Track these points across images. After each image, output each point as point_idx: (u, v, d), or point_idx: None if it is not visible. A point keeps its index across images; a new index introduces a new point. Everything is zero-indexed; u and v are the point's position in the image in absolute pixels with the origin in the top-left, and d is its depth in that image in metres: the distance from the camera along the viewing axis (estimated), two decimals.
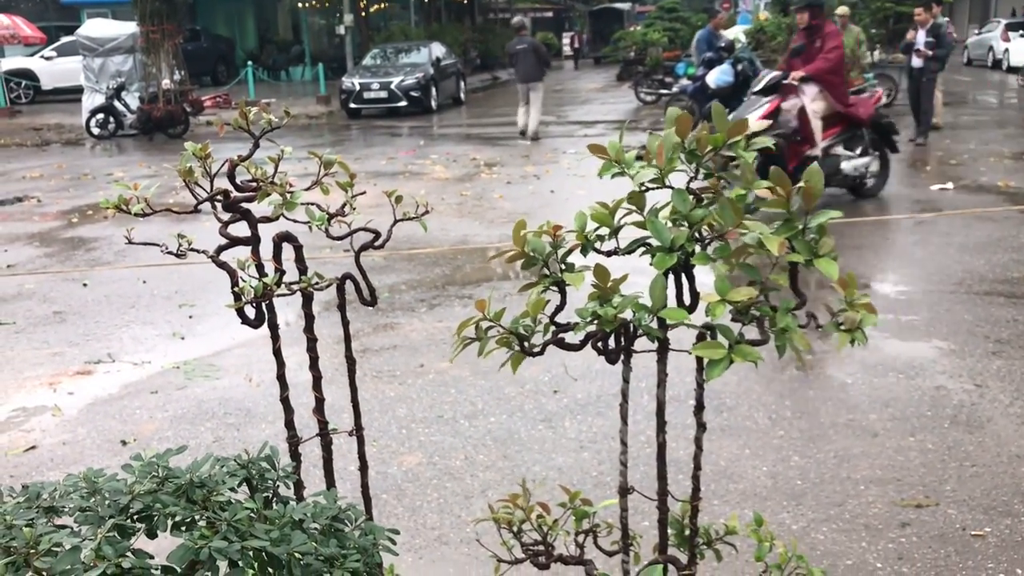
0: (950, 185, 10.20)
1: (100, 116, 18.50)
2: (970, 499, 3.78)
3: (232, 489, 1.37)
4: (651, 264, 1.58)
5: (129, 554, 1.14)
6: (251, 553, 1.17)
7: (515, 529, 2.04)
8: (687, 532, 1.91)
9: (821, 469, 4.10)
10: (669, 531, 1.97)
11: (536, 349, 1.67)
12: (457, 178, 12.51)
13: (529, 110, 15.76)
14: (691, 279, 1.68)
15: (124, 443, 4.76)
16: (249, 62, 26.50)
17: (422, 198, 1.88)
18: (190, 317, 6.90)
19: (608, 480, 3.95)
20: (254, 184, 1.77)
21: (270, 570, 1.21)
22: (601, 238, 1.69)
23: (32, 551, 1.13)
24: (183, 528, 1.23)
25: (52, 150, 17.63)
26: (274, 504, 1.43)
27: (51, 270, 8.84)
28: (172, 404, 5.27)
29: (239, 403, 5.19)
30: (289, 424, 1.90)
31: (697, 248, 1.56)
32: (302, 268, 1.82)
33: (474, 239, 8.86)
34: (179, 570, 1.20)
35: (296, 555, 1.20)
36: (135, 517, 1.25)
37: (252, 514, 1.23)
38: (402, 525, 3.79)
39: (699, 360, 1.74)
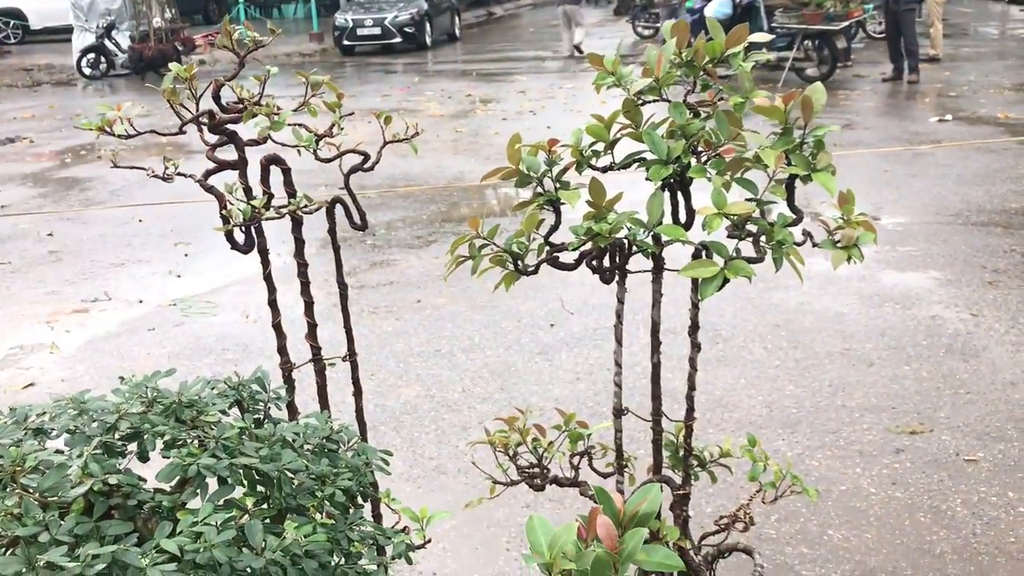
0: (949, 117, 10.10)
1: (91, 56, 18.21)
2: (964, 425, 3.80)
3: (223, 412, 1.35)
4: (647, 177, 1.55)
5: (117, 471, 1.13)
6: (240, 471, 1.16)
7: (511, 452, 2.04)
8: (681, 453, 1.91)
9: (816, 398, 4.12)
10: (664, 453, 1.97)
11: (530, 268, 1.65)
12: (452, 115, 12.37)
13: (573, 31, 17.28)
14: (687, 196, 1.65)
15: (122, 379, 4.74)
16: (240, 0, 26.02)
17: (412, 122, 1.84)
18: (186, 255, 6.87)
19: (604, 410, 3.96)
20: (240, 105, 1.73)
21: (260, 488, 1.20)
22: (597, 154, 1.66)
23: (18, 468, 1.12)
24: (172, 447, 1.22)
25: (43, 91, 17.38)
26: (265, 425, 1.41)
27: (45, 210, 8.77)
28: (169, 341, 5.27)
29: (236, 339, 5.19)
30: (282, 350, 1.88)
31: (694, 161, 1.53)
32: (291, 191, 1.78)
33: (470, 176, 8.79)
34: (168, 488, 1.19)
35: (286, 472, 1.19)
36: (124, 438, 1.24)
37: (242, 433, 1.22)
38: (400, 456, 3.81)
39: (694, 280, 1.72)
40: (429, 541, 1.98)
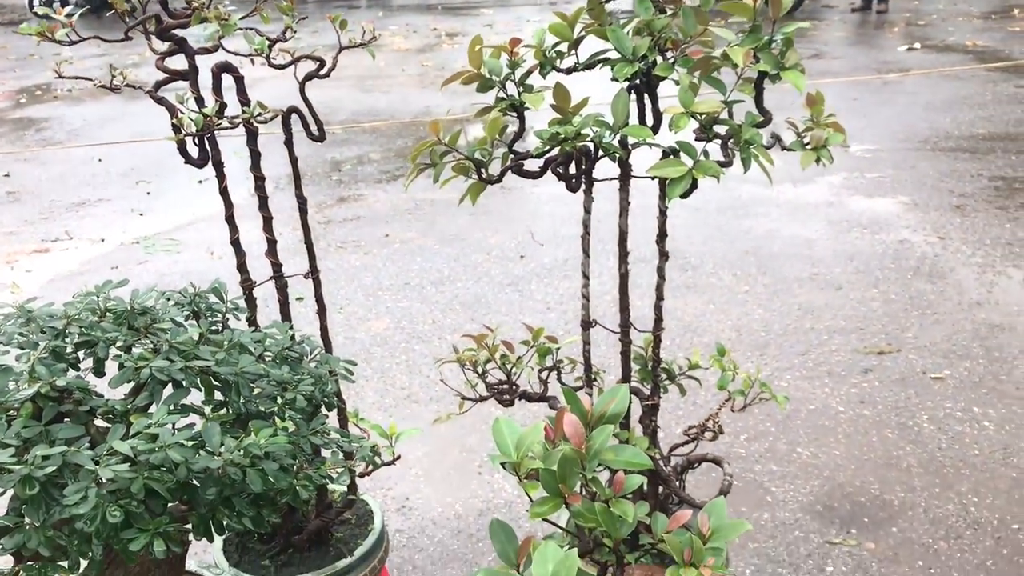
0: (917, 46, 10.06)
1: None
2: (930, 345, 3.83)
3: (178, 323, 1.31)
4: (612, 77, 1.50)
5: (66, 375, 1.09)
6: (196, 375, 1.12)
7: (480, 370, 2.02)
8: (650, 365, 1.89)
9: (785, 321, 4.14)
10: (633, 365, 1.96)
11: (495, 177, 1.60)
12: (418, 48, 12.17)
13: None
14: (654, 97, 1.61)
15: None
16: None
17: (369, 24, 1.77)
18: (148, 193, 6.74)
19: (575, 337, 3.95)
20: (189, 10, 1.65)
21: (219, 395, 1.17)
22: (561, 54, 1.60)
23: None
24: (127, 354, 1.17)
25: None
26: (225, 334, 1.37)
27: (2, 151, 8.56)
28: (133, 279, 5.18)
29: (201, 275, 5.11)
30: (241, 267, 1.84)
31: (660, 59, 1.48)
32: (244, 100, 1.72)
33: (436, 110, 8.67)
34: (122, 397, 1.15)
35: (245, 377, 1.15)
36: (75, 346, 1.20)
37: (198, 339, 1.18)
38: (372, 386, 3.80)
39: (661, 186, 1.69)
40: (399, 458, 1.97)
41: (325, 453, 1.31)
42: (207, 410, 1.21)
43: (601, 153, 1.60)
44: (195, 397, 1.22)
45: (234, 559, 2.00)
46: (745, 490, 3.00)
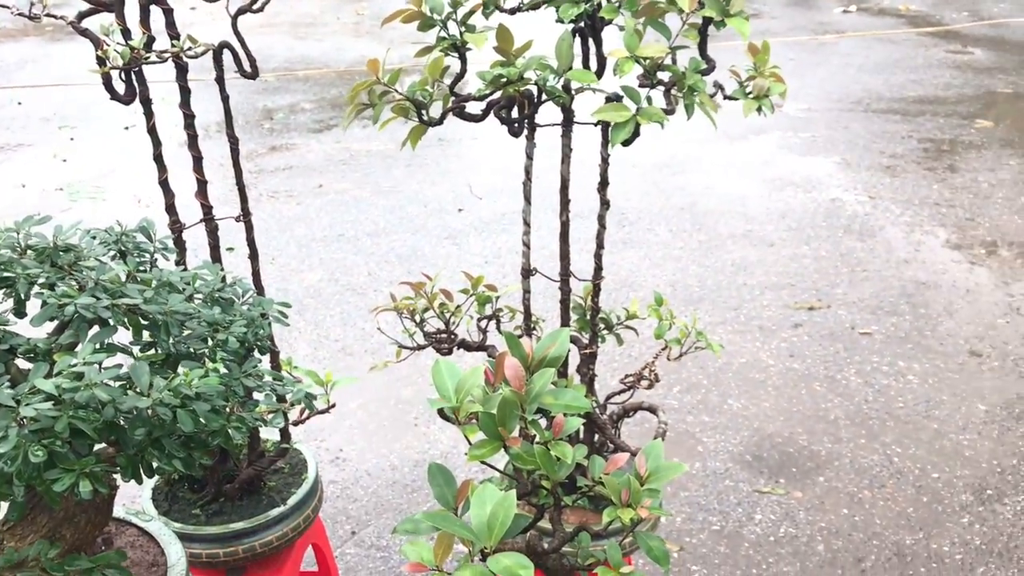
0: (853, 8, 10.17)
1: None
2: (859, 301, 3.92)
3: (103, 262, 1.25)
4: (557, 18, 1.48)
5: None
6: (123, 314, 1.07)
7: (418, 318, 2.00)
8: (588, 314, 1.89)
9: (718, 277, 4.19)
10: (572, 315, 1.96)
11: (436, 119, 1.56)
12: None
13: None
14: (598, 42, 1.58)
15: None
16: None
17: None
18: (71, 139, 6.50)
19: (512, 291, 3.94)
20: None
21: (147, 335, 1.12)
22: None
23: None
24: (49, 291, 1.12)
25: None
26: (154, 272, 1.32)
27: None
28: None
29: (128, 224, 4.96)
30: (170, 208, 1.77)
31: (605, 1, 1.46)
32: (173, 34, 1.65)
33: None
34: (44, 336, 1.10)
35: (174, 316, 1.11)
36: None
37: (126, 277, 1.13)
38: (305, 338, 3.75)
39: (604, 133, 1.67)
40: (334, 406, 1.94)
41: (259, 396, 1.28)
42: (135, 350, 1.17)
43: (544, 98, 1.58)
44: (123, 337, 1.18)
45: (164, 508, 1.96)
46: (678, 440, 3.05)
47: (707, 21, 1.52)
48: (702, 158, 5.58)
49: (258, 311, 1.29)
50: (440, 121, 1.58)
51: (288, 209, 5.13)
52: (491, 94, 1.56)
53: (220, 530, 1.91)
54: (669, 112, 1.58)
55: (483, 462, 1.19)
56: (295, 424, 1.85)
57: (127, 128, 6.74)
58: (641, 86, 1.56)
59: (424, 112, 1.56)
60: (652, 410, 1.99)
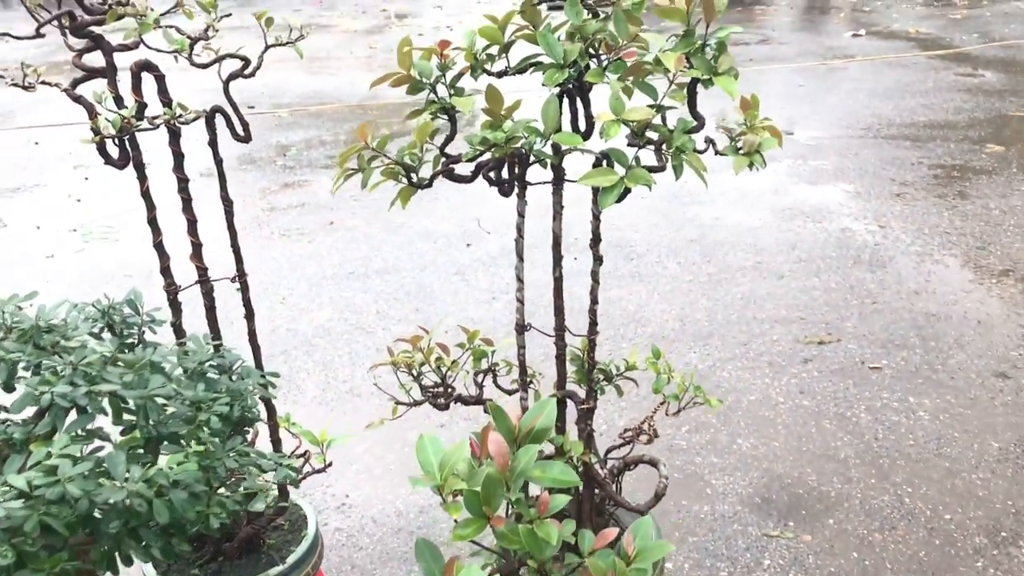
0: (863, 32, 10.17)
1: None
2: (869, 334, 3.89)
3: (94, 335, 1.26)
4: (543, 83, 1.48)
5: None
6: (102, 399, 1.07)
7: (415, 372, 1.99)
8: (586, 368, 1.88)
9: (728, 311, 4.16)
10: (570, 367, 1.94)
11: (425, 182, 1.56)
12: (366, 30, 12.01)
13: None
14: (586, 103, 1.58)
15: (19, 308, 4.56)
16: None
17: (296, 21, 1.72)
18: (86, 179, 6.57)
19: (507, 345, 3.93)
20: (105, 6, 1.59)
21: (129, 417, 1.12)
22: (492, 57, 1.57)
23: None
24: (35, 375, 1.12)
25: None
26: (137, 350, 1.33)
27: None
28: (70, 268, 5.06)
29: (139, 265, 5.00)
30: (165, 271, 1.78)
31: (593, 64, 1.46)
32: (165, 100, 1.66)
33: (384, 94, 8.56)
34: (21, 421, 1.10)
35: (154, 399, 1.10)
36: None
37: (107, 358, 1.13)
38: (313, 380, 3.75)
39: (595, 190, 1.67)
40: (330, 464, 1.93)
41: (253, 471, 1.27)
42: (117, 432, 1.17)
43: (533, 159, 1.58)
44: (106, 418, 1.18)
45: (162, 567, 1.95)
46: (686, 483, 3.02)
47: (695, 81, 1.52)
48: (712, 189, 5.56)
49: (244, 385, 1.28)
50: (430, 184, 1.58)
51: (299, 247, 5.15)
52: (480, 155, 1.55)
53: None
54: (658, 170, 1.58)
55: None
56: (292, 485, 1.85)
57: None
58: (630, 145, 1.56)
59: (413, 174, 1.56)
60: (653, 464, 1.98)
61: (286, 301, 4.47)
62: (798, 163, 6.05)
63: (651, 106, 1.52)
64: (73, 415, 1.09)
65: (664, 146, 1.54)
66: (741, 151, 1.61)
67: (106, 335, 1.31)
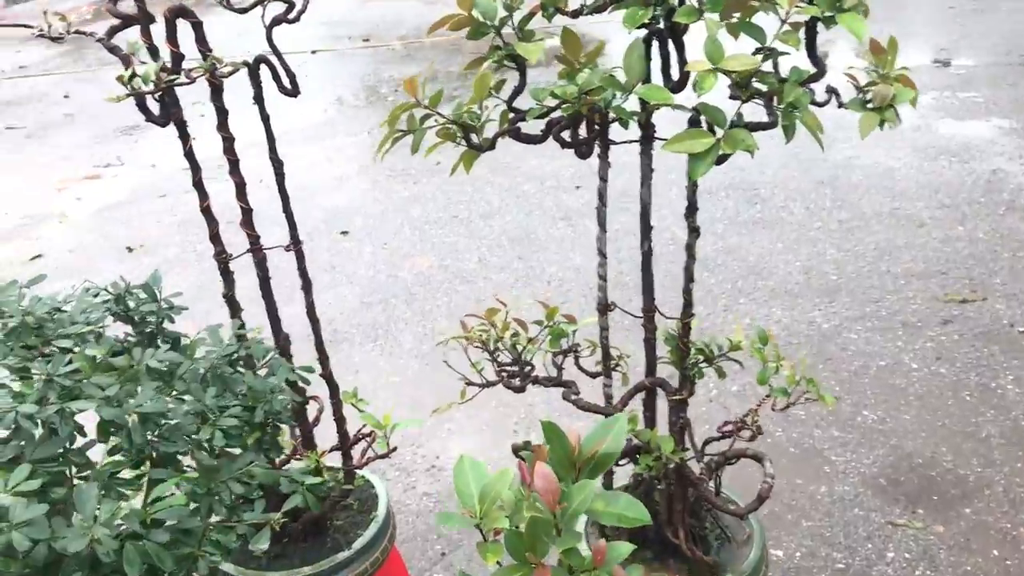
0: None
1: None
2: (1020, 293, 3.46)
3: (97, 333, 1.10)
4: (623, 23, 1.22)
5: None
6: (73, 418, 0.91)
7: (490, 348, 1.80)
8: (679, 357, 1.64)
9: (859, 263, 3.79)
10: (664, 345, 1.71)
11: (486, 144, 1.35)
12: None
13: None
14: (679, 46, 1.32)
15: (130, 249, 4.61)
16: None
17: None
18: (202, 116, 6.56)
19: (627, 280, 3.69)
20: None
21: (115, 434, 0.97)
22: None
23: None
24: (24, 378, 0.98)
25: None
26: (160, 343, 1.17)
27: (64, 70, 8.52)
28: (180, 208, 5.07)
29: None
30: (215, 238, 1.63)
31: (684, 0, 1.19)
32: (204, 50, 1.49)
33: None
34: None
35: (136, 416, 0.93)
36: None
37: (95, 363, 0.97)
38: (411, 330, 3.62)
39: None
40: (395, 449, 1.77)
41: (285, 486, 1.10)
42: (105, 451, 1.02)
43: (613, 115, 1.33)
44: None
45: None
46: (803, 458, 2.75)
47: (814, 19, 1.23)
48: (848, 124, 5.10)
49: (267, 385, 1.11)
50: (492, 146, 1.35)
51: (405, 189, 5.01)
52: (550, 112, 1.32)
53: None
54: (768, 127, 1.31)
55: None
56: (355, 468, 1.70)
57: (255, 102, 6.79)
58: (731, 98, 1.29)
59: (474, 136, 1.34)
60: (758, 459, 1.73)
61: (388, 246, 4.35)
62: (944, 96, 5.50)
63: (758, 50, 1.25)
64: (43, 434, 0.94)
65: (775, 100, 1.26)
66: (870, 104, 1.31)
67: (118, 325, 1.16)
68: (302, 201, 5.15)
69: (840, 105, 1.35)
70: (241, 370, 1.15)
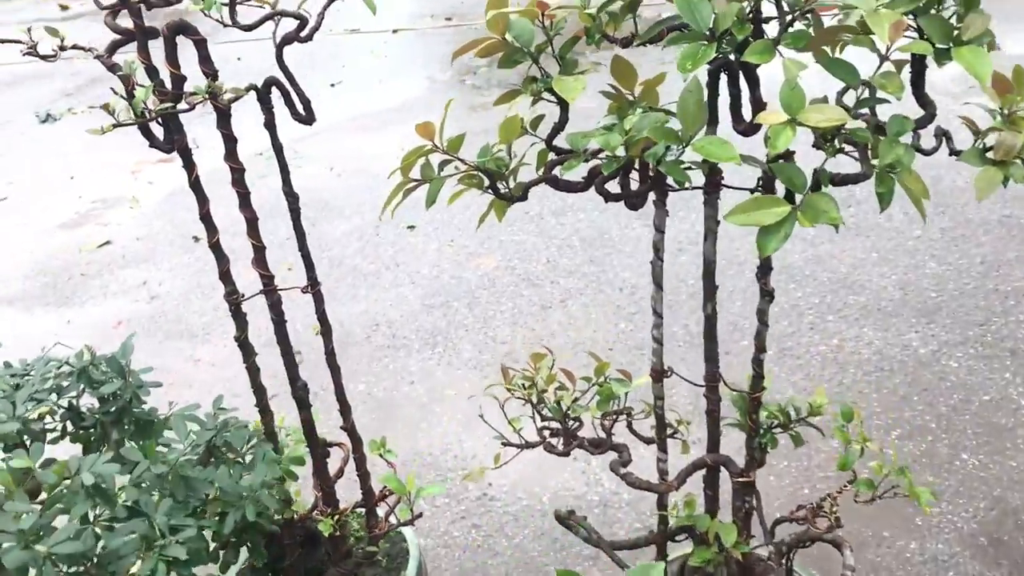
0: None
1: None
2: None
3: (68, 403, 0.94)
4: (677, 66, 1.00)
5: None
6: None
7: (534, 401, 1.60)
8: (748, 429, 1.41)
9: (963, 279, 3.45)
10: (734, 409, 1.49)
11: (516, 194, 1.14)
12: None
13: None
14: (752, 82, 1.08)
15: (196, 239, 4.54)
16: None
17: None
18: (279, 98, 6.52)
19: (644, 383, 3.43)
20: None
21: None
22: (614, 17, 1.10)
23: None
24: None
25: None
26: (126, 425, 1.01)
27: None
28: (252, 194, 4.98)
29: (318, 193, 4.85)
30: (225, 276, 1.47)
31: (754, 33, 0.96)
32: (208, 71, 1.31)
33: None
34: None
35: (56, 554, 0.76)
36: None
37: (9, 488, 0.81)
38: (471, 338, 3.44)
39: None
40: (420, 516, 1.59)
41: None
42: None
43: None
44: None
45: None
46: (890, 507, 2.47)
47: (920, 56, 0.98)
48: (952, 118, 4.72)
49: (238, 489, 0.93)
50: (524, 196, 1.15)
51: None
52: (590, 159, 1.11)
53: None
54: (860, 179, 1.07)
55: None
56: (375, 539, 1.52)
57: (333, 85, 6.70)
58: (815, 146, 1.05)
59: (502, 184, 1.14)
60: (836, 545, 1.50)
61: (454, 244, 4.17)
62: None
63: (844, 91, 1.01)
64: None
65: (870, 153, 1.03)
66: (990, 155, 1.06)
67: (84, 400, 1.00)
68: (371, 190, 5.01)
69: (952, 153, 1.11)
70: (219, 458, 0.97)
